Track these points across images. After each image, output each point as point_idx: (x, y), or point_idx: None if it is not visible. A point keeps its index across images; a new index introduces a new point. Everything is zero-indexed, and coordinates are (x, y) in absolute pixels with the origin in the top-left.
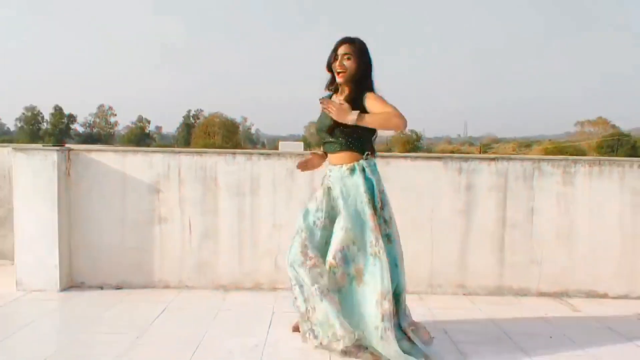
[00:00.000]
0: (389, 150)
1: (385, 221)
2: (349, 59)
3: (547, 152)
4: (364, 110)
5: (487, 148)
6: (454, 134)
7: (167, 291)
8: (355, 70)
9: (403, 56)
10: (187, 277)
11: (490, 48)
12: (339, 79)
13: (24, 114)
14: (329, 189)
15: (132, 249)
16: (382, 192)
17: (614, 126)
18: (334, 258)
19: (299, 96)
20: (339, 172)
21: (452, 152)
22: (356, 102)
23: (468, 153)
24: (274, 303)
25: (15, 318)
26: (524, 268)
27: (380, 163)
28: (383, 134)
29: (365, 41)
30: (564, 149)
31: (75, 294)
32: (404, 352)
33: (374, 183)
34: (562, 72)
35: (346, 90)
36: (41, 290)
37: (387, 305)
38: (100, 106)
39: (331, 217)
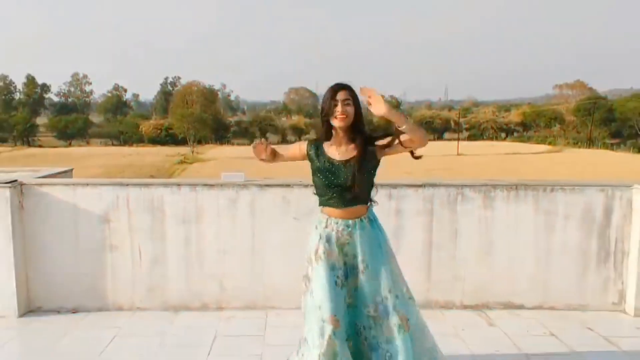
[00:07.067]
0: (369, 122)
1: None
2: (348, 104)
3: (525, 115)
4: (376, 161)
5: (466, 112)
6: (435, 97)
7: (120, 313)
8: (355, 116)
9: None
10: (139, 299)
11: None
12: (339, 123)
13: None
14: (343, 244)
15: (85, 274)
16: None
17: (591, 89)
18: (375, 311)
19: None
20: (359, 225)
21: (432, 117)
22: (371, 150)
23: (447, 118)
24: (218, 326)
25: None
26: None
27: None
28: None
29: None
30: (542, 112)
31: (33, 319)
32: None
33: (382, 230)
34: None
35: (344, 135)
36: (1, 317)
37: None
38: (75, 74)
39: (346, 273)
